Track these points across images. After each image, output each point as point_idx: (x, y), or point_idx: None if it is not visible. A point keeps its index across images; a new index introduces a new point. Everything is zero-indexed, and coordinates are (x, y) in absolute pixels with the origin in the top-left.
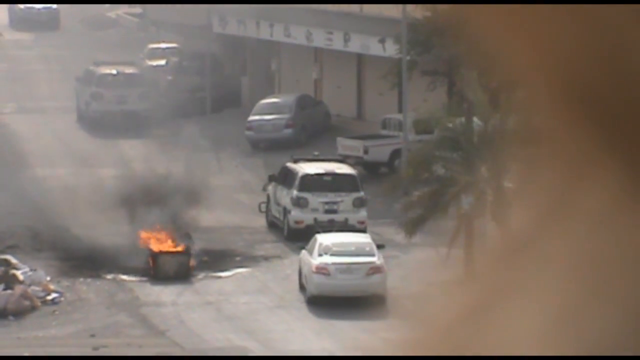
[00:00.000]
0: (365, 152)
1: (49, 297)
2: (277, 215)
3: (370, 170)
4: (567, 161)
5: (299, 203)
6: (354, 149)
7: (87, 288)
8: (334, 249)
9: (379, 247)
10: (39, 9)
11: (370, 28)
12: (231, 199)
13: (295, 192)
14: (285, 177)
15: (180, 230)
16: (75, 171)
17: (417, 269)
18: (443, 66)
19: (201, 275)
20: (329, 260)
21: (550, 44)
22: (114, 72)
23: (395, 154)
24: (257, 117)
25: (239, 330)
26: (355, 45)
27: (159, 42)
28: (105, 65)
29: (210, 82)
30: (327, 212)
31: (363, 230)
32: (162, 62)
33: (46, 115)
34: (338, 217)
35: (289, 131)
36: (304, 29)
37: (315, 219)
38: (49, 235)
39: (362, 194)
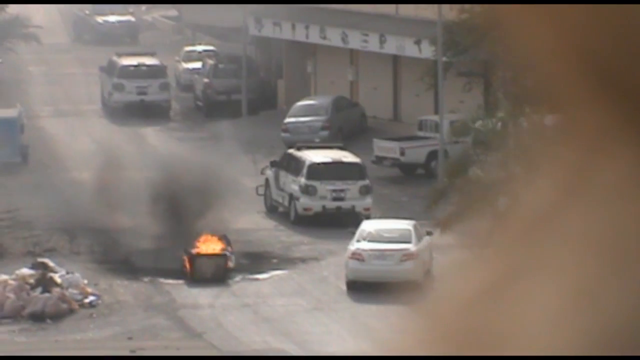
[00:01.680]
0: (402, 153)
1: (87, 300)
2: (281, 201)
3: (407, 172)
4: (584, 136)
5: (308, 191)
6: (391, 150)
7: (124, 291)
8: (374, 235)
9: (428, 233)
10: (114, 22)
11: (406, 29)
12: None
13: (303, 180)
14: (290, 164)
15: (217, 233)
16: (112, 174)
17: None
18: (479, 67)
19: (238, 277)
20: (364, 246)
21: (567, 19)
22: (135, 63)
23: (432, 155)
24: (293, 119)
25: (276, 332)
26: (391, 46)
27: (195, 44)
28: (127, 56)
29: (247, 85)
30: (335, 199)
31: (368, 217)
32: (198, 64)
33: (82, 118)
34: (345, 205)
35: (325, 133)
36: (339, 30)
37: (323, 206)
38: (86, 238)
39: (367, 181)
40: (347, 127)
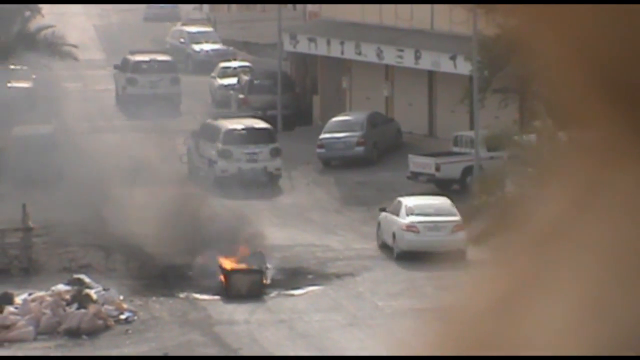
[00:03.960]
0: (437, 169)
1: (122, 316)
2: (201, 166)
3: (442, 188)
4: (598, 150)
5: (225, 154)
6: (426, 166)
7: (160, 307)
8: (419, 210)
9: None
10: (208, 50)
11: (441, 45)
12: (303, 216)
13: (220, 145)
14: (208, 133)
15: (253, 249)
16: (147, 189)
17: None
18: (515, 83)
19: (274, 293)
20: (417, 219)
21: (583, 34)
22: (147, 59)
23: (467, 171)
24: (328, 135)
25: (312, 348)
26: (426, 62)
27: (230, 60)
28: (140, 53)
29: (282, 101)
30: (249, 161)
31: (280, 176)
32: (234, 80)
33: (118, 133)
34: (258, 166)
35: (360, 149)
36: (374, 46)
37: (239, 168)
38: (122, 255)
39: (277, 144)
40: (382, 142)
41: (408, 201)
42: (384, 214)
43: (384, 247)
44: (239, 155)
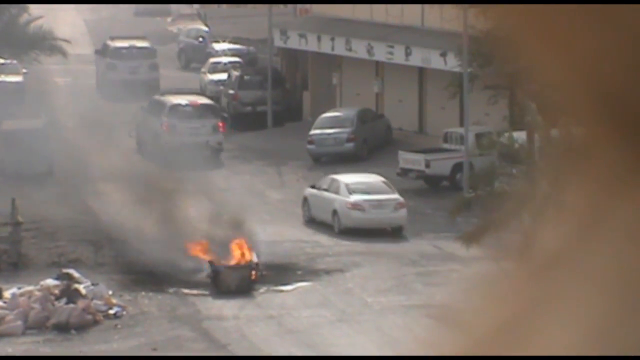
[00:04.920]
0: (427, 165)
1: (111, 311)
2: (148, 140)
3: (432, 184)
4: (602, 175)
5: (169, 128)
6: (416, 162)
7: (149, 302)
8: (359, 188)
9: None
10: (225, 50)
11: (432, 41)
12: (293, 212)
13: (165, 119)
14: (155, 108)
15: (244, 244)
16: (135, 184)
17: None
18: (505, 79)
19: (263, 289)
20: (362, 197)
21: (583, 59)
22: (127, 45)
23: (457, 167)
24: (318, 131)
25: (301, 344)
26: (417, 58)
27: (220, 56)
28: (119, 39)
29: (272, 96)
30: (192, 135)
31: (221, 150)
32: (224, 76)
33: (106, 129)
34: (200, 140)
35: (350, 145)
36: (365, 42)
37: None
38: (111, 249)
39: (219, 119)
40: (372, 139)
41: (345, 179)
42: (312, 190)
43: (312, 222)
44: (182, 130)
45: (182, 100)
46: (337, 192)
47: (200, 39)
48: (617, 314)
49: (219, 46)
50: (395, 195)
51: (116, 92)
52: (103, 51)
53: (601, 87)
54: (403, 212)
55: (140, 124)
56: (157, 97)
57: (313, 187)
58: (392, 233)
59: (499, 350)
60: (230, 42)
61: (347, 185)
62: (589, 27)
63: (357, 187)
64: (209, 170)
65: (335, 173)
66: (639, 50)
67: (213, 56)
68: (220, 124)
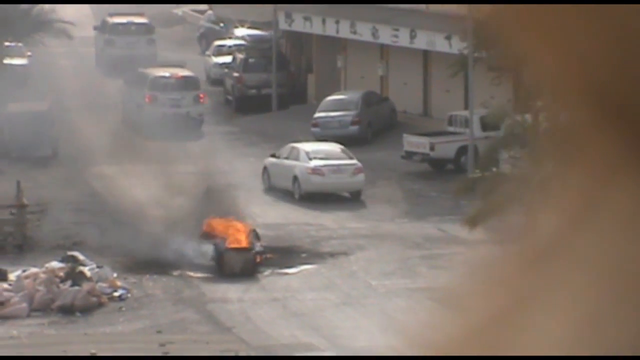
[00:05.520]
0: (432, 148)
1: (116, 294)
2: (132, 111)
3: (437, 167)
4: (595, 164)
5: (151, 100)
6: (420, 145)
7: (153, 284)
8: (318, 154)
9: None
10: (245, 35)
11: (436, 24)
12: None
13: (147, 91)
14: (138, 81)
15: (246, 225)
16: (141, 167)
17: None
18: (508, 61)
19: (267, 271)
20: (321, 163)
21: (576, 47)
22: (125, 21)
23: (462, 150)
24: (323, 114)
25: (306, 326)
26: (421, 41)
27: (225, 38)
28: (118, 15)
29: (277, 79)
30: (173, 107)
31: (202, 122)
32: (229, 59)
33: (110, 111)
34: (181, 111)
35: (354, 128)
36: (370, 25)
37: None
38: (116, 232)
39: (200, 91)
40: (376, 122)
41: (305, 147)
42: (272, 159)
43: (273, 189)
44: (163, 101)
45: (164, 72)
46: (297, 159)
47: (222, 24)
48: (612, 303)
49: (239, 31)
50: (354, 161)
51: (114, 68)
52: (102, 27)
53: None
54: (361, 177)
55: (125, 96)
56: (141, 69)
57: (273, 155)
58: (351, 198)
59: (493, 338)
60: (250, 27)
61: (306, 152)
62: (575, 11)
63: (317, 154)
64: (191, 140)
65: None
66: (626, 36)
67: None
68: (201, 95)
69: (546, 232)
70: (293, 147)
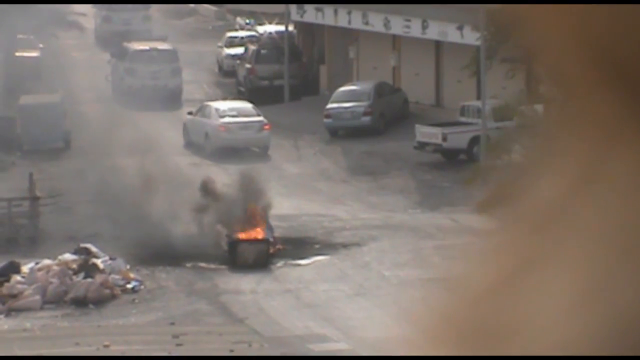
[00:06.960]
0: (444, 139)
1: (129, 286)
2: (117, 83)
3: (449, 158)
4: (597, 127)
5: (131, 72)
6: (433, 136)
7: (166, 276)
8: (230, 112)
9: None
10: (271, 32)
11: (449, 15)
12: (310, 186)
13: (128, 64)
14: (122, 54)
15: (260, 216)
16: (154, 159)
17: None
18: (521, 52)
19: (280, 263)
20: (229, 120)
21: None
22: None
23: (474, 141)
24: (335, 105)
25: (318, 317)
26: (433, 32)
27: (237, 30)
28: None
29: (289, 70)
30: (152, 79)
31: (181, 92)
32: (241, 50)
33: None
34: (159, 83)
35: (367, 119)
36: (382, 16)
37: (142, 85)
38: (129, 224)
39: (178, 64)
40: (389, 112)
41: (217, 105)
42: (190, 117)
43: (191, 145)
44: (143, 73)
45: (144, 46)
46: (209, 117)
47: (247, 21)
48: (616, 268)
49: (263, 28)
50: (260, 118)
51: (113, 45)
52: (101, 5)
53: (590, 29)
54: (267, 133)
55: (113, 69)
56: (125, 43)
57: (190, 113)
58: (260, 153)
59: (491, 310)
60: (277, 24)
61: (217, 109)
62: None
63: (227, 112)
64: (171, 111)
65: (350, 146)
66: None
67: (229, 30)
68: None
69: (549, 195)
70: (206, 105)
